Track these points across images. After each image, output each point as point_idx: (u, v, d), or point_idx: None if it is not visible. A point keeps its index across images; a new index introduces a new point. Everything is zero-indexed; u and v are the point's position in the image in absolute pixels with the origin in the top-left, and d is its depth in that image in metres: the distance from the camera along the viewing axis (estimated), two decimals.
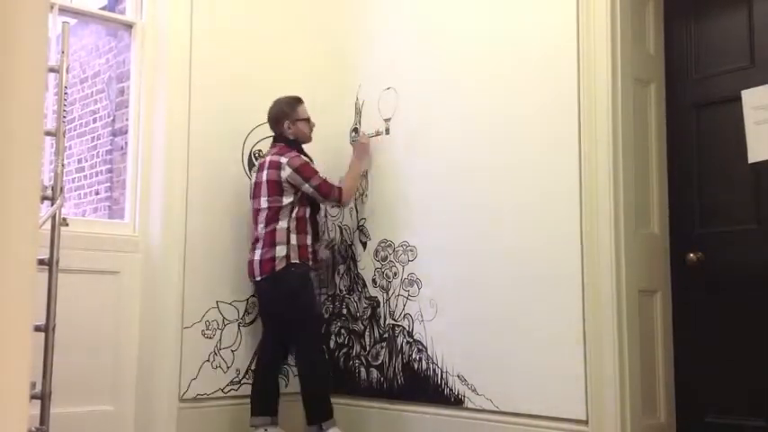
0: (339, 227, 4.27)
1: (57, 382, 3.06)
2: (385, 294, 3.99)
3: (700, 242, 3.30)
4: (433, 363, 3.74)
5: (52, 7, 3.73)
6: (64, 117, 3.21)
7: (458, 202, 3.70)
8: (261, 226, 3.81)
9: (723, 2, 3.32)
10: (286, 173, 3.78)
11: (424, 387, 3.75)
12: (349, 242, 4.21)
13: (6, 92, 0.80)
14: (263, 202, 3.82)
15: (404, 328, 3.88)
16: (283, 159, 3.80)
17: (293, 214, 3.80)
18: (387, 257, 4.01)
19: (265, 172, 3.83)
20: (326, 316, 4.29)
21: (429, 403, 3.73)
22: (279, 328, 3.86)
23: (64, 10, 3.85)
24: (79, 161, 5.72)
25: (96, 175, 5.57)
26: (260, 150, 4.27)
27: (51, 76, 3.40)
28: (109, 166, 5.46)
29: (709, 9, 3.36)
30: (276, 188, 3.79)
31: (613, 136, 3.20)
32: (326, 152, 4.39)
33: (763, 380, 3.05)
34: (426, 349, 3.77)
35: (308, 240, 3.84)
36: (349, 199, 4.00)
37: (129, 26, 4.09)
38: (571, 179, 3.27)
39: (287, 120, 3.93)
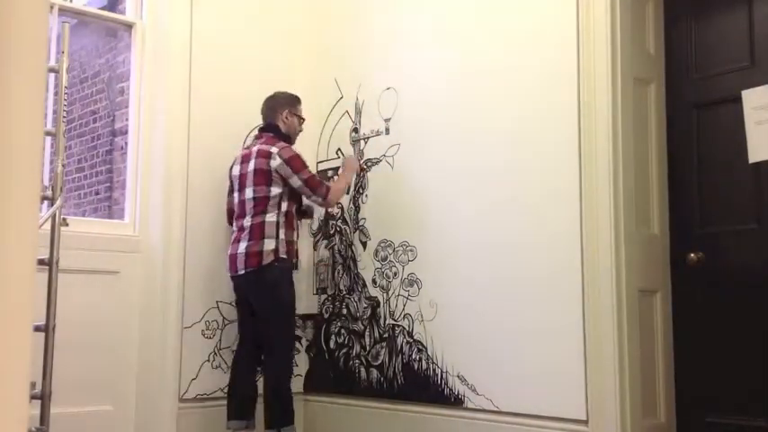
0: (339, 227, 4.26)
1: (57, 382, 3.06)
2: (385, 294, 3.99)
3: (700, 242, 3.30)
4: (433, 363, 3.74)
5: (52, 7, 3.73)
6: (64, 117, 3.21)
7: (457, 202, 3.70)
8: (247, 218, 3.68)
9: (723, 2, 3.32)
10: (276, 162, 3.67)
11: (424, 387, 3.75)
12: (349, 242, 4.21)
13: (6, 92, 0.80)
14: (249, 192, 3.69)
15: (404, 328, 3.88)
16: (274, 149, 3.71)
17: (282, 208, 3.69)
18: (387, 257, 4.01)
19: (252, 161, 3.72)
20: (326, 316, 4.29)
21: (429, 403, 3.72)
22: (257, 327, 3.74)
23: (64, 10, 3.85)
24: (79, 161, 5.72)
25: (96, 175, 5.57)
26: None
27: (51, 76, 3.40)
28: (109, 166, 5.46)
29: (709, 9, 3.36)
30: (264, 177, 3.67)
31: (613, 136, 3.20)
32: (326, 152, 4.39)
33: (764, 380, 3.05)
34: (426, 349, 3.77)
35: (295, 236, 3.78)
36: (334, 199, 3.87)
37: (129, 26, 4.09)
38: (571, 179, 3.27)
39: (286, 108, 3.88)
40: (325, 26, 4.48)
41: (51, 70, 3.27)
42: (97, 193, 5.54)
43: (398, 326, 3.91)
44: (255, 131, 4.00)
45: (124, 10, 4.22)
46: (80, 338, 3.59)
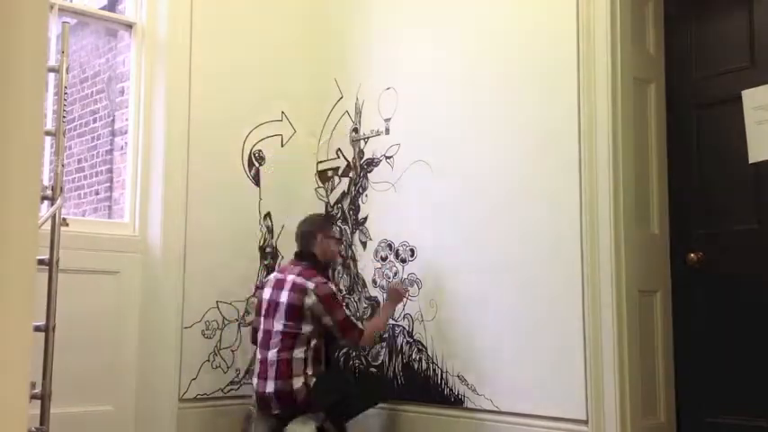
0: (339, 227, 4.26)
1: (57, 382, 3.05)
2: (385, 294, 3.98)
3: (700, 242, 3.30)
4: (433, 363, 3.74)
5: (52, 7, 3.73)
6: (64, 117, 3.21)
7: (457, 202, 3.70)
8: (273, 351, 3.49)
9: (723, 2, 3.32)
10: (311, 300, 3.49)
11: (424, 387, 3.75)
12: (349, 242, 4.21)
13: (6, 92, 0.80)
14: (278, 326, 3.51)
15: (404, 328, 3.88)
16: (310, 285, 3.51)
17: (311, 344, 3.50)
18: (387, 257, 4.01)
19: (286, 293, 3.53)
20: None
21: (429, 403, 3.72)
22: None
23: (64, 10, 3.85)
24: (79, 161, 5.71)
25: (96, 175, 5.57)
26: (260, 150, 4.27)
27: (51, 76, 3.40)
28: (109, 166, 5.45)
29: (709, 9, 3.36)
30: (296, 314, 3.49)
31: (613, 136, 3.20)
32: (326, 153, 4.39)
33: (763, 380, 3.05)
34: (426, 349, 3.77)
35: (320, 369, 3.56)
36: (368, 342, 3.72)
37: (128, 26, 4.09)
38: (571, 179, 3.27)
39: (321, 232, 3.72)
40: (325, 26, 4.48)
41: (51, 70, 3.26)
42: (97, 193, 5.54)
43: (398, 326, 3.91)
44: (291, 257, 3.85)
45: (124, 10, 4.22)
46: (80, 338, 3.59)
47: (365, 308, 4.09)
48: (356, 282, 4.14)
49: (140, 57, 4.03)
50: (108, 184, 5.43)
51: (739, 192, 3.20)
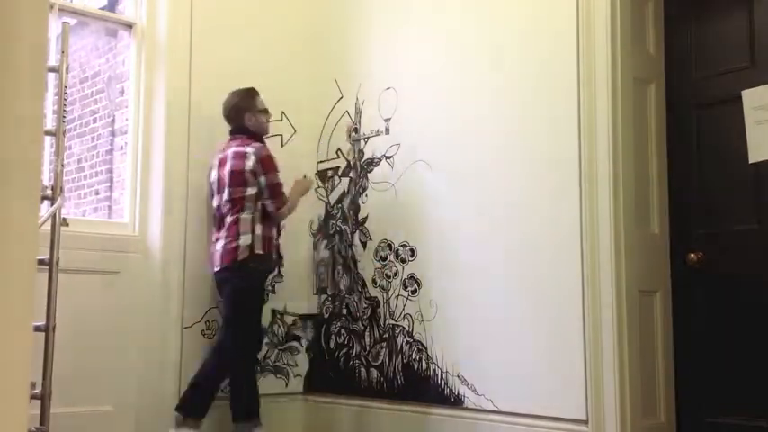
0: (339, 227, 4.27)
1: (57, 382, 3.05)
2: (385, 294, 3.99)
3: (700, 242, 3.30)
4: (433, 363, 3.74)
5: (52, 7, 3.73)
6: (64, 117, 3.21)
7: (457, 202, 3.70)
8: (227, 218, 3.75)
9: (723, 2, 3.32)
10: (250, 162, 3.73)
11: (424, 387, 3.75)
12: (349, 242, 4.21)
13: (6, 92, 0.80)
14: (226, 194, 3.76)
15: (404, 328, 3.88)
16: (249, 149, 3.76)
17: (258, 205, 3.74)
18: (387, 257, 4.01)
19: (229, 163, 3.78)
20: (326, 316, 4.29)
21: (429, 403, 3.72)
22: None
23: (64, 10, 3.85)
24: (79, 161, 5.71)
25: (96, 175, 5.57)
26: None
27: (51, 76, 3.40)
28: (109, 166, 5.45)
29: (709, 9, 3.36)
30: (239, 178, 3.73)
31: (613, 136, 3.20)
32: (326, 152, 4.39)
33: (763, 380, 3.05)
34: (426, 349, 3.77)
35: (274, 233, 3.82)
36: (282, 216, 3.87)
37: (128, 26, 4.09)
38: (571, 179, 3.27)
39: (247, 112, 3.87)
40: (326, 26, 4.48)
41: (51, 70, 3.26)
42: (97, 193, 5.54)
43: (398, 326, 3.91)
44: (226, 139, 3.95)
45: (124, 10, 4.22)
46: (80, 338, 3.58)
47: (365, 308, 4.09)
48: (356, 282, 4.14)
49: (140, 57, 4.03)
50: (108, 184, 5.43)
51: (739, 192, 3.20)
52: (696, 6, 3.40)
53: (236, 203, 3.73)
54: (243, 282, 3.73)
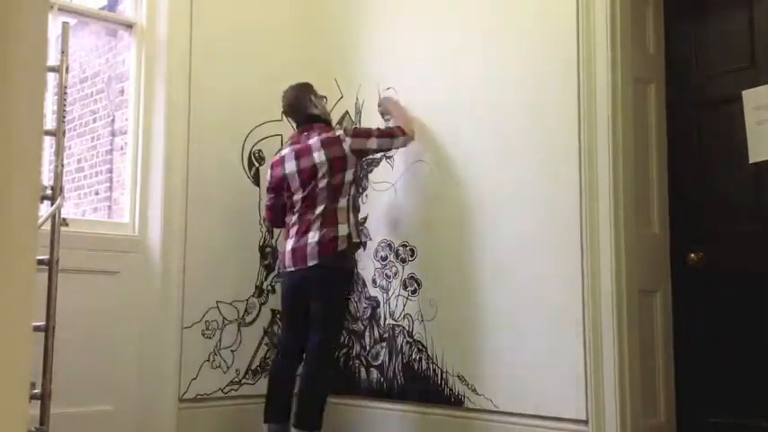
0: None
1: (57, 382, 3.05)
2: (385, 294, 3.99)
3: (700, 242, 3.30)
4: (433, 363, 3.74)
5: (52, 7, 3.73)
6: (64, 117, 3.21)
7: (457, 201, 3.70)
8: (318, 208, 3.57)
9: (723, 2, 3.32)
10: (348, 143, 3.63)
11: (424, 387, 3.75)
12: None
13: (6, 92, 0.80)
14: (322, 183, 3.59)
15: (404, 328, 3.88)
16: (339, 132, 3.67)
17: (351, 192, 3.66)
18: (387, 257, 4.01)
19: (321, 152, 3.61)
20: None
21: (429, 403, 3.72)
22: (306, 325, 3.59)
23: (64, 10, 3.85)
24: (79, 161, 5.71)
25: (96, 175, 5.57)
26: (260, 150, 4.27)
27: (51, 76, 3.40)
28: (108, 166, 5.45)
29: (709, 9, 3.36)
30: (340, 164, 3.61)
31: (613, 136, 3.20)
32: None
33: (764, 380, 3.05)
34: (426, 349, 3.77)
35: (359, 219, 3.77)
36: (411, 131, 3.74)
37: (128, 26, 4.09)
38: (571, 179, 3.27)
39: (310, 95, 3.83)
40: (326, 26, 4.48)
41: (51, 70, 3.26)
42: (97, 193, 5.54)
43: (398, 326, 3.91)
44: (292, 135, 3.92)
45: (124, 10, 4.22)
46: (80, 338, 3.59)
47: (365, 308, 4.09)
48: (356, 282, 4.14)
49: (140, 57, 4.03)
50: (108, 184, 5.43)
51: (739, 192, 3.20)
52: (696, 6, 3.40)
53: (336, 191, 3.60)
54: (345, 278, 3.67)
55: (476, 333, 3.57)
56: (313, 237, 3.54)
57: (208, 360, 3.96)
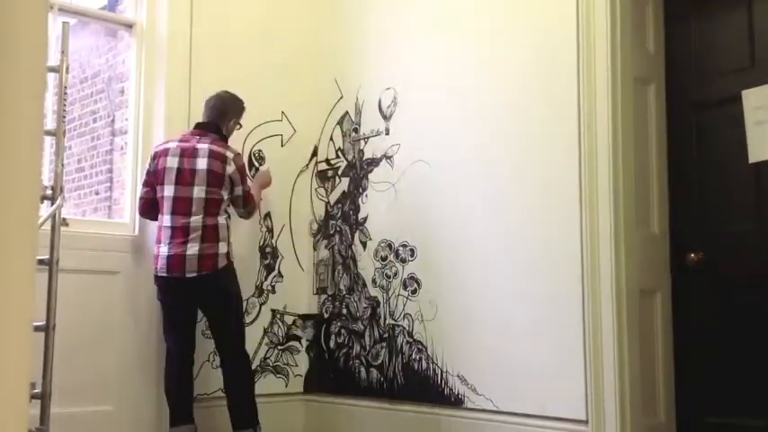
0: (339, 227, 4.27)
1: (57, 382, 3.06)
2: (385, 294, 3.99)
3: (700, 242, 3.30)
4: (433, 363, 3.74)
5: (52, 7, 3.73)
6: (64, 117, 3.21)
7: (457, 201, 3.70)
8: (195, 218, 3.53)
9: (723, 2, 3.32)
10: (231, 168, 3.63)
11: (424, 387, 3.75)
12: (349, 242, 4.21)
13: (6, 92, 0.80)
14: (199, 192, 3.55)
15: (404, 328, 3.88)
16: (230, 154, 3.65)
17: (227, 212, 3.67)
18: (387, 257, 4.01)
19: (204, 160, 3.58)
20: (326, 316, 4.29)
21: (429, 403, 3.72)
22: (191, 329, 3.68)
23: (64, 10, 3.85)
24: (79, 161, 5.71)
25: (96, 175, 5.57)
26: (260, 150, 4.28)
27: (51, 76, 3.40)
28: (109, 166, 5.46)
29: (709, 9, 3.36)
30: (219, 181, 3.59)
31: (613, 136, 3.20)
32: (326, 153, 4.39)
33: (764, 380, 3.05)
34: (426, 349, 3.77)
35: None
36: (256, 204, 3.86)
37: (128, 26, 4.09)
38: (571, 178, 3.27)
39: (235, 117, 3.84)
40: (325, 26, 4.48)
41: (51, 70, 3.27)
42: (97, 193, 5.54)
43: (398, 326, 3.91)
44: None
45: (124, 10, 4.22)
46: (80, 338, 3.59)
47: (365, 308, 4.09)
48: (356, 282, 4.14)
49: (140, 57, 4.03)
50: (108, 184, 5.43)
51: (739, 192, 3.20)
52: (696, 6, 3.40)
53: (212, 205, 3.58)
54: (233, 283, 3.69)
55: (476, 333, 3.57)
56: (192, 248, 3.52)
57: (208, 360, 3.96)
